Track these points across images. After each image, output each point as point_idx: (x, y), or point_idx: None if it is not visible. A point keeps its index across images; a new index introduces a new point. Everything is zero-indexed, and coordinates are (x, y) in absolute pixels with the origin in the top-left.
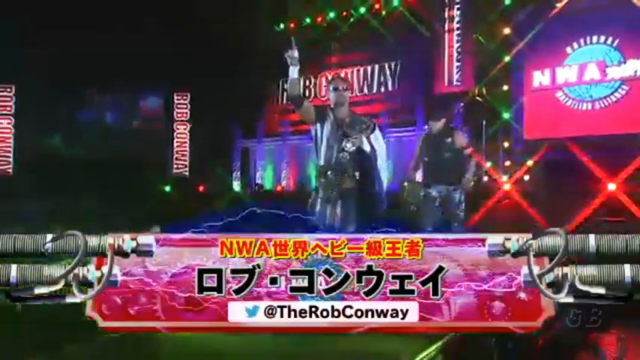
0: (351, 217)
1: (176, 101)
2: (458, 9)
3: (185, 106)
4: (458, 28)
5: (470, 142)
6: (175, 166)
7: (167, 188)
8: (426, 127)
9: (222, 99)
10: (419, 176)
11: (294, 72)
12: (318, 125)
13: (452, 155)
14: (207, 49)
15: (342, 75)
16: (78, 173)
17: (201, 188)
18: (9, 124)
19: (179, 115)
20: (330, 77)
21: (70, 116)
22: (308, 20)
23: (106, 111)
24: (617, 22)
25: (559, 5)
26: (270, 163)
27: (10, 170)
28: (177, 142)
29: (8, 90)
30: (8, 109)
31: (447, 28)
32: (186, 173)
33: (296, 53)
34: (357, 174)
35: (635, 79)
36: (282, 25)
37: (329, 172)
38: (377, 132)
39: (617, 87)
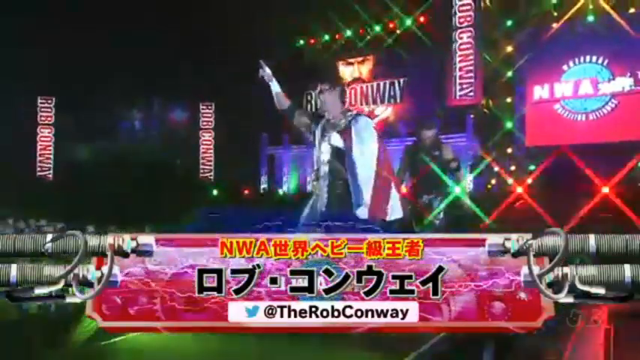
0: (327, 216)
1: (202, 111)
2: (466, 30)
3: (210, 115)
4: (466, 47)
5: (455, 155)
6: (202, 170)
7: (214, 192)
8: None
9: (250, 109)
10: (403, 187)
11: (275, 87)
12: (315, 130)
13: (438, 167)
14: (235, 63)
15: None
16: (116, 178)
17: (246, 192)
18: (50, 132)
19: (205, 123)
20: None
21: (106, 126)
22: (327, 37)
23: (138, 120)
24: (607, 44)
25: (555, 26)
26: (296, 169)
27: (51, 175)
28: (202, 148)
29: (49, 102)
30: (49, 119)
31: (456, 46)
32: (212, 177)
33: (267, 70)
34: (333, 173)
35: (624, 94)
36: (302, 42)
37: (315, 175)
38: (360, 124)
39: (607, 101)
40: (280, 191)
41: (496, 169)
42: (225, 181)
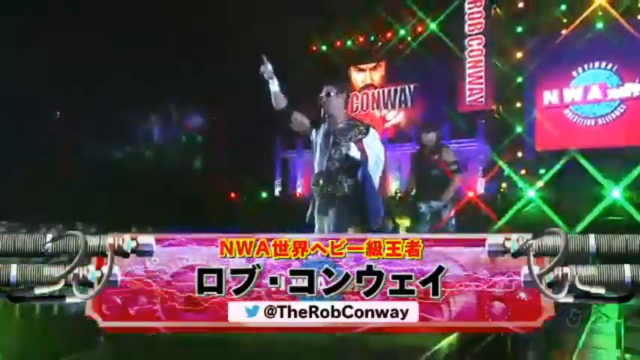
0: (340, 226)
1: (215, 118)
2: (476, 37)
3: (224, 121)
4: (476, 54)
5: (457, 158)
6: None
7: (232, 195)
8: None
9: (264, 115)
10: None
11: (273, 85)
12: (314, 132)
13: (441, 171)
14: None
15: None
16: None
17: (264, 195)
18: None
19: (219, 129)
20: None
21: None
22: (339, 44)
23: (156, 127)
24: (615, 50)
25: (564, 32)
26: (309, 173)
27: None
28: (220, 152)
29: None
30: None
31: (466, 53)
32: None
33: (269, 66)
34: (347, 182)
35: (632, 99)
36: (314, 47)
37: (321, 181)
38: (371, 137)
39: (616, 106)
40: (297, 194)
41: (507, 172)
42: (242, 185)
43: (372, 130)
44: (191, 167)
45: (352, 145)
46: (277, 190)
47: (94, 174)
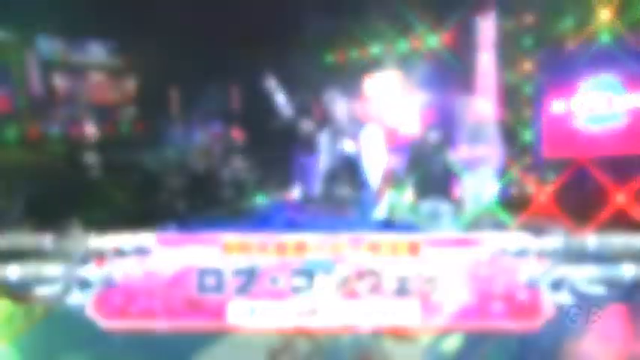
0: (339, 219)
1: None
2: (486, 49)
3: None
4: (487, 65)
5: (459, 159)
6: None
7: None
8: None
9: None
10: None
11: (278, 97)
12: (320, 135)
13: (442, 170)
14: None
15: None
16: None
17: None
18: None
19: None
20: None
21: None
22: (354, 53)
23: (179, 131)
24: (620, 62)
25: (572, 45)
26: None
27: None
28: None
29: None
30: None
31: (477, 64)
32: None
33: (272, 83)
34: (348, 178)
35: (637, 109)
36: (331, 57)
37: (325, 179)
38: (368, 134)
39: (621, 115)
40: (315, 195)
41: (517, 177)
42: (264, 186)
43: (370, 128)
44: (214, 171)
45: (348, 142)
46: (296, 192)
47: (119, 176)
